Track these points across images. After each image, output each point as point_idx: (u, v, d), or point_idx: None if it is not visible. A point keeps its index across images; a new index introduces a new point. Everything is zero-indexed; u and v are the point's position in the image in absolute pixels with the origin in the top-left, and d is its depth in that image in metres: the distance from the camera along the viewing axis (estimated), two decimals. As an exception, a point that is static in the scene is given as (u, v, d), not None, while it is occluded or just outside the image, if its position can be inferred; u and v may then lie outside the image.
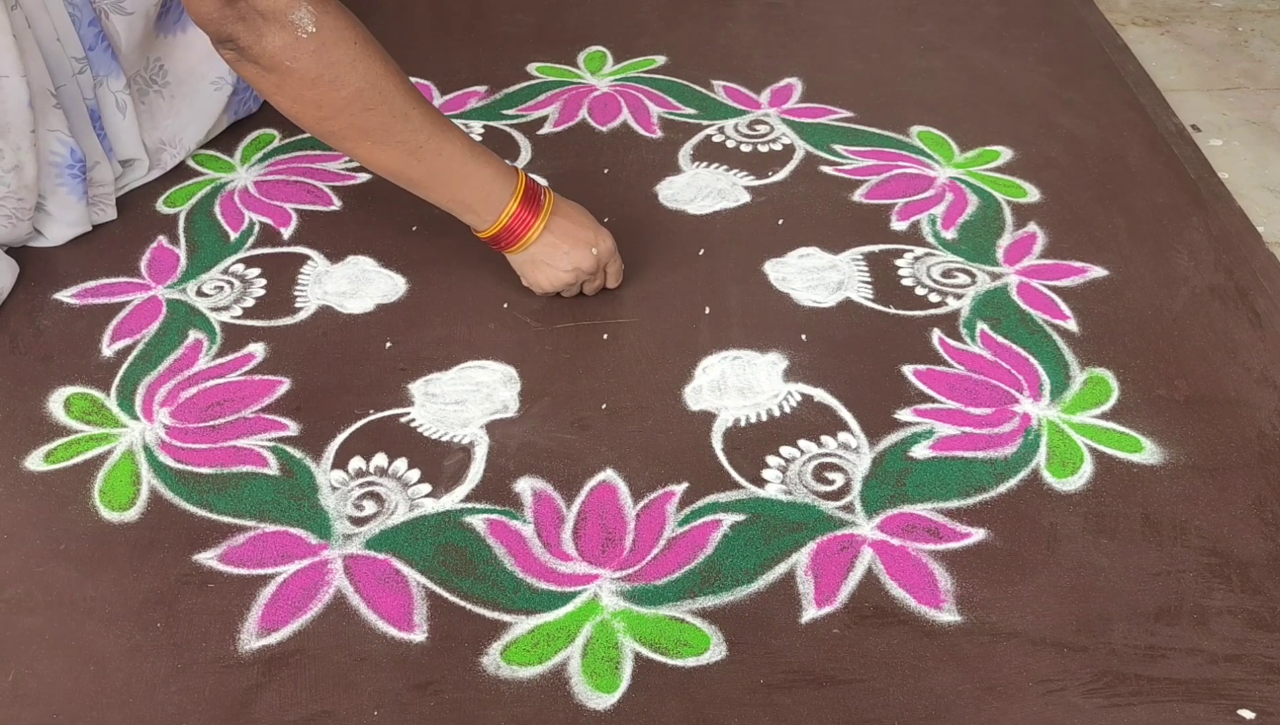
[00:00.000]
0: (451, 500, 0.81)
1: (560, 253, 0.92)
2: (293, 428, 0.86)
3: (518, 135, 1.17)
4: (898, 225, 1.06)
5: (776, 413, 0.87)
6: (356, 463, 0.83)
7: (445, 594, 0.75)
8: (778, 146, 1.16)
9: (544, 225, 0.91)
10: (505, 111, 1.21)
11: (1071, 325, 0.95)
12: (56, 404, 0.87)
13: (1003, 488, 0.82)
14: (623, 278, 0.97)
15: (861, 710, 0.68)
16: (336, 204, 1.08)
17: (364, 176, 1.11)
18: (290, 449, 0.84)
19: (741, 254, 1.02)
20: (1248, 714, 0.68)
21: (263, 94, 0.84)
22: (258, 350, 0.92)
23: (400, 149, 0.86)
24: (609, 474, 0.83)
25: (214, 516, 0.79)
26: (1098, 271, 1.01)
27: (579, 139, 1.17)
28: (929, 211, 1.07)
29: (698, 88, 1.25)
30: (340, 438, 0.85)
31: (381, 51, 0.84)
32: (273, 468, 0.83)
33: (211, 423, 0.86)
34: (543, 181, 0.98)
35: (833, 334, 0.94)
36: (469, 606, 0.74)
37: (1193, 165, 1.13)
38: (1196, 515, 0.80)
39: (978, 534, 0.78)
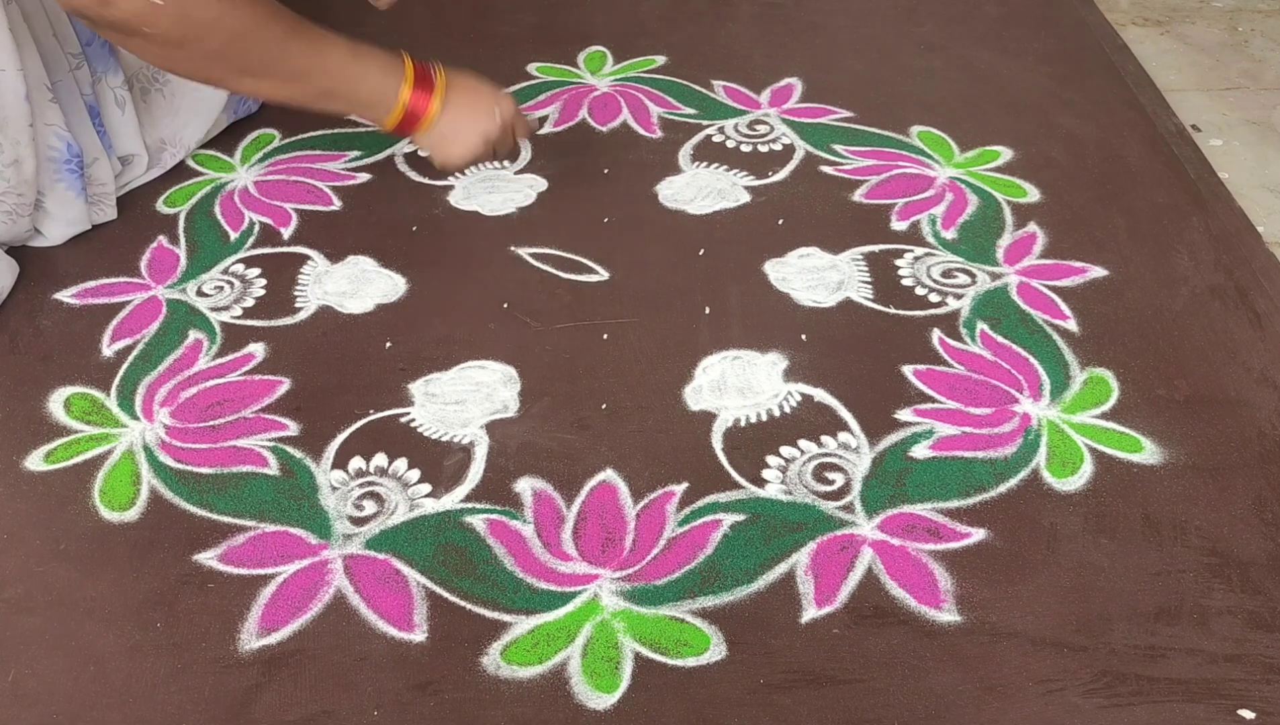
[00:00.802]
0: (451, 500, 0.81)
1: (465, 124, 0.94)
2: (293, 428, 0.86)
3: (518, 135, 1.17)
4: (898, 225, 1.06)
5: (776, 413, 0.87)
6: (356, 463, 0.83)
7: (445, 594, 0.75)
8: (778, 146, 1.16)
9: (441, 100, 0.93)
10: (505, 111, 1.21)
11: (1071, 325, 0.95)
12: (56, 404, 0.87)
13: (1003, 488, 0.82)
14: (532, 131, 1.00)
15: (861, 710, 0.68)
16: (336, 204, 1.08)
17: (364, 176, 1.11)
18: (290, 449, 0.84)
19: (741, 254, 1.02)
20: (1248, 714, 0.68)
21: (131, 53, 0.84)
22: (258, 350, 0.92)
23: (282, 77, 0.87)
24: (609, 474, 0.83)
25: (214, 516, 0.79)
26: (1098, 271, 1.01)
27: (579, 139, 1.17)
28: (929, 211, 1.07)
29: (698, 88, 1.25)
30: (340, 438, 0.85)
31: None
32: (273, 468, 0.83)
33: (211, 423, 0.86)
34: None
35: (833, 334, 0.94)
36: (469, 606, 0.74)
37: (1193, 165, 1.13)
38: (1196, 515, 0.80)
39: (978, 534, 0.78)
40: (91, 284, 0.99)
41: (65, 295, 0.97)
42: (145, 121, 1.07)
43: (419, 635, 0.72)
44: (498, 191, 1.09)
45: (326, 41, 0.88)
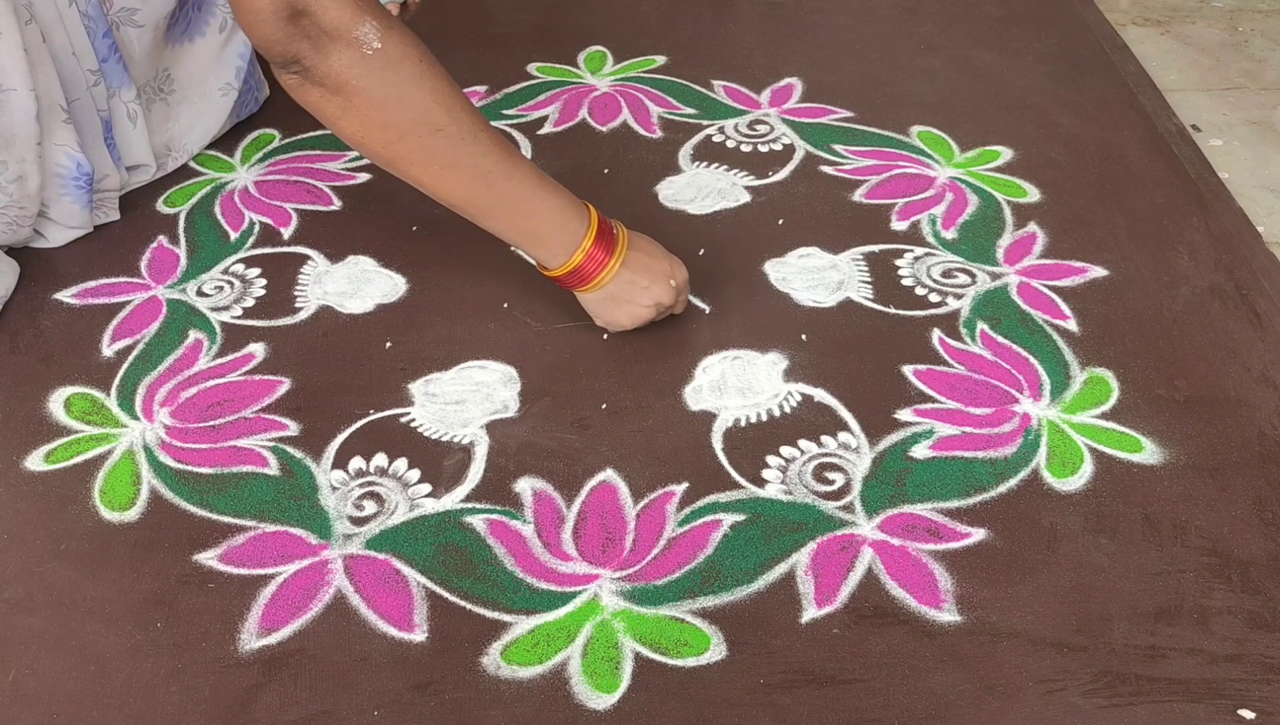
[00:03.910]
0: (451, 500, 0.81)
1: (639, 288, 0.89)
2: (293, 428, 0.86)
3: (518, 135, 1.17)
4: (898, 225, 1.06)
5: (776, 413, 0.87)
6: (356, 463, 0.83)
7: (445, 594, 0.75)
8: (778, 146, 1.16)
9: (620, 261, 0.88)
10: (505, 111, 1.21)
11: (1071, 325, 0.95)
12: (57, 404, 0.87)
13: (1003, 488, 0.82)
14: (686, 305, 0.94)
15: (861, 710, 0.68)
16: (336, 204, 1.08)
17: (364, 176, 1.11)
18: (290, 449, 0.84)
19: (741, 254, 1.02)
20: (1248, 714, 0.68)
21: (327, 122, 0.82)
22: (258, 350, 0.92)
23: (469, 173, 0.83)
24: (609, 474, 0.83)
25: (214, 516, 0.79)
26: (1098, 271, 1.01)
27: (579, 139, 1.17)
28: (929, 211, 1.07)
29: (698, 88, 1.25)
30: (340, 438, 0.85)
31: (445, 71, 0.82)
32: (273, 468, 0.83)
33: (212, 423, 0.86)
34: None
35: (833, 334, 0.94)
36: (469, 606, 0.74)
37: (1193, 165, 1.13)
38: (1196, 515, 0.80)
39: (978, 534, 0.78)
40: (91, 284, 0.99)
41: (65, 295, 0.97)
42: (150, 128, 1.07)
43: (419, 635, 0.72)
44: (498, 191, 1.09)
45: (515, 150, 0.85)
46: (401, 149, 0.82)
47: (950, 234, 1.05)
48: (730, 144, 1.16)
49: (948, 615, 0.73)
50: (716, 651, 0.71)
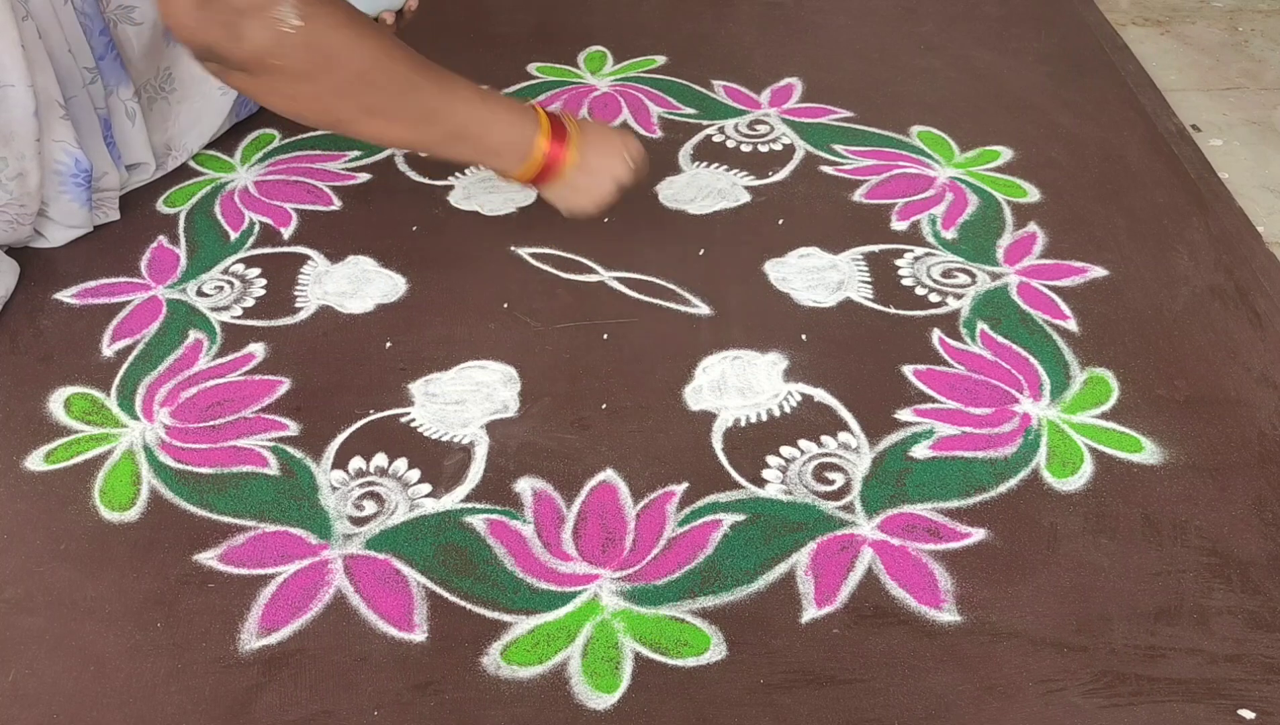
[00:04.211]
0: (451, 500, 0.81)
1: (599, 172, 0.91)
2: (293, 428, 0.86)
3: (518, 135, 1.17)
4: (898, 225, 1.06)
5: (776, 413, 0.87)
6: (357, 463, 0.83)
7: (445, 594, 0.75)
8: (778, 146, 1.16)
9: (577, 150, 0.90)
10: (505, 111, 1.21)
11: (1071, 325, 0.95)
12: (57, 404, 0.88)
13: (1003, 488, 0.82)
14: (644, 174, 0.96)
15: (861, 710, 0.68)
16: (336, 204, 1.08)
17: (364, 176, 1.11)
18: (290, 449, 0.84)
19: (741, 254, 1.02)
20: (1248, 714, 0.68)
21: (258, 101, 0.82)
22: (258, 350, 0.92)
23: (413, 118, 0.84)
24: (609, 474, 0.83)
25: (214, 516, 0.79)
26: (1098, 271, 1.01)
27: (579, 139, 1.17)
28: (929, 211, 1.07)
29: (698, 88, 1.25)
30: (340, 438, 0.85)
31: (373, 26, 0.82)
32: (273, 468, 0.83)
33: (212, 423, 0.86)
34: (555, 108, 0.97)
35: (833, 334, 0.94)
36: (469, 606, 0.74)
37: (1193, 165, 1.13)
38: (1196, 515, 0.80)
39: (978, 534, 0.78)
40: (91, 284, 0.99)
41: (65, 295, 0.97)
42: (151, 127, 1.07)
43: (419, 635, 0.72)
44: (498, 191, 1.09)
45: (453, 81, 0.86)
46: (339, 113, 0.83)
47: (950, 234, 1.05)
48: (730, 144, 1.16)
49: (948, 615, 0.73)
50: (716, 651, 0.71)
